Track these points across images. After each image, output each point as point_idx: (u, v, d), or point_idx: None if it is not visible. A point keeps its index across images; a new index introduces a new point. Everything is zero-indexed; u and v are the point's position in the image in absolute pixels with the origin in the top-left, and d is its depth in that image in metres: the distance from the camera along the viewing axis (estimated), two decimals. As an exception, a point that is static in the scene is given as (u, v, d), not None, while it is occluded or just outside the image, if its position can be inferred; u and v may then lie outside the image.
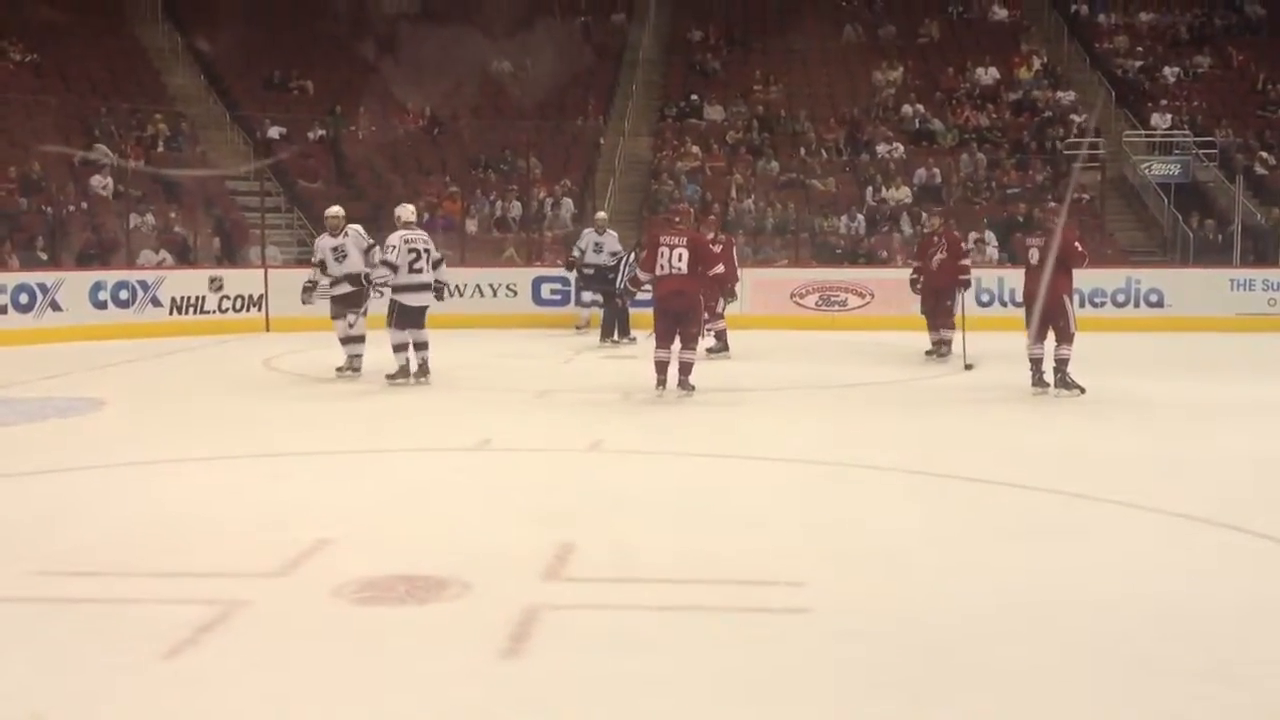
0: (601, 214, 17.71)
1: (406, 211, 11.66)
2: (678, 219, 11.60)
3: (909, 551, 5.64)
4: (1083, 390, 10.54)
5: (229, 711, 3.87)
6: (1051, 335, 10.62)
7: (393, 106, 24.96)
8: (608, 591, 5.07)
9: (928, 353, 13.70)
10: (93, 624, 4.64)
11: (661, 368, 10.61)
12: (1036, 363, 10.73)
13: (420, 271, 11.31)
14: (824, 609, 4.78)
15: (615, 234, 16.53)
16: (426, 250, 11.38)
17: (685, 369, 10.67)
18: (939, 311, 13.75)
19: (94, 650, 4.34)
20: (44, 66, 23.78)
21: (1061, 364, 10.62)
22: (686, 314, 10.72)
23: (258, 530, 5.97)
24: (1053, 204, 11.90)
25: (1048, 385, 10.67)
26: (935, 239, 14.16)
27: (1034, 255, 10.72)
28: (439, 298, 11.64)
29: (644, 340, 12.97)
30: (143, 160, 21.49)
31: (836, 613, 4.73)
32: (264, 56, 25.81)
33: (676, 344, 10.65)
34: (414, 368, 11.40)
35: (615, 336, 15.44)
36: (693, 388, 10.61)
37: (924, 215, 16.67)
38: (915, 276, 14.15)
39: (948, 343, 13.53)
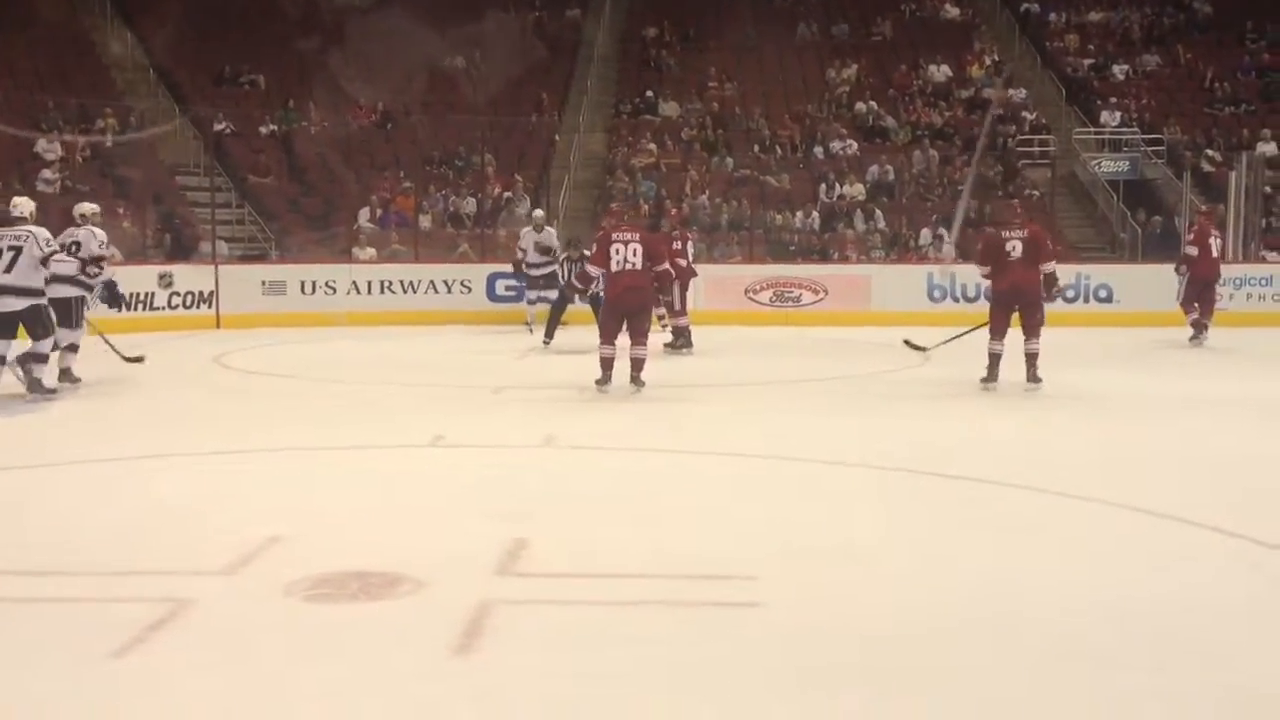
0: (539, 212, 17.62)
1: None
2: (626, 214, 11.57)
3: (864, 546, 5.66)
4: (1040, 381, 10.66)
5: (180, 710, 3.83)
6: (1018, 330, 10.73)
7: (345, 101, 24.82)
8: (561, 587, 5.06)
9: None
10: (40, 623, 4.58)
11: (608, 364, 10.59)
12: (997, 358, 10.82)
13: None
14: (777, 603, 4.79)
15: (553, 231, 16.43)
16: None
17: (637, 365, 10.66)
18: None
19: (42, 649, 4.28)
20: (-10, 61, 23.49)
21: (1036, 357, 10.74)
22: (639, 311, 10.71)
23: (208, 528, 5.91)
24: (1014, 200, 12.01)
25: (997, 381, 10.75)
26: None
27: (1016, 249, 10.69)
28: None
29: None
30: (90, 154, 21.29)
31: (790, 607, 4.74)
32: (215, 51, 25.59)
33: (624, 341, 10.62)
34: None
35: (546, 338, 14.91)
36: (643, 383, 10.61)
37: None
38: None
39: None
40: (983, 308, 11.92)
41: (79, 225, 11.02)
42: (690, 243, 14.89)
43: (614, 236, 10.71)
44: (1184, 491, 6.89)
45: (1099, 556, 5.54)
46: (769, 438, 8.64)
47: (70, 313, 10.69)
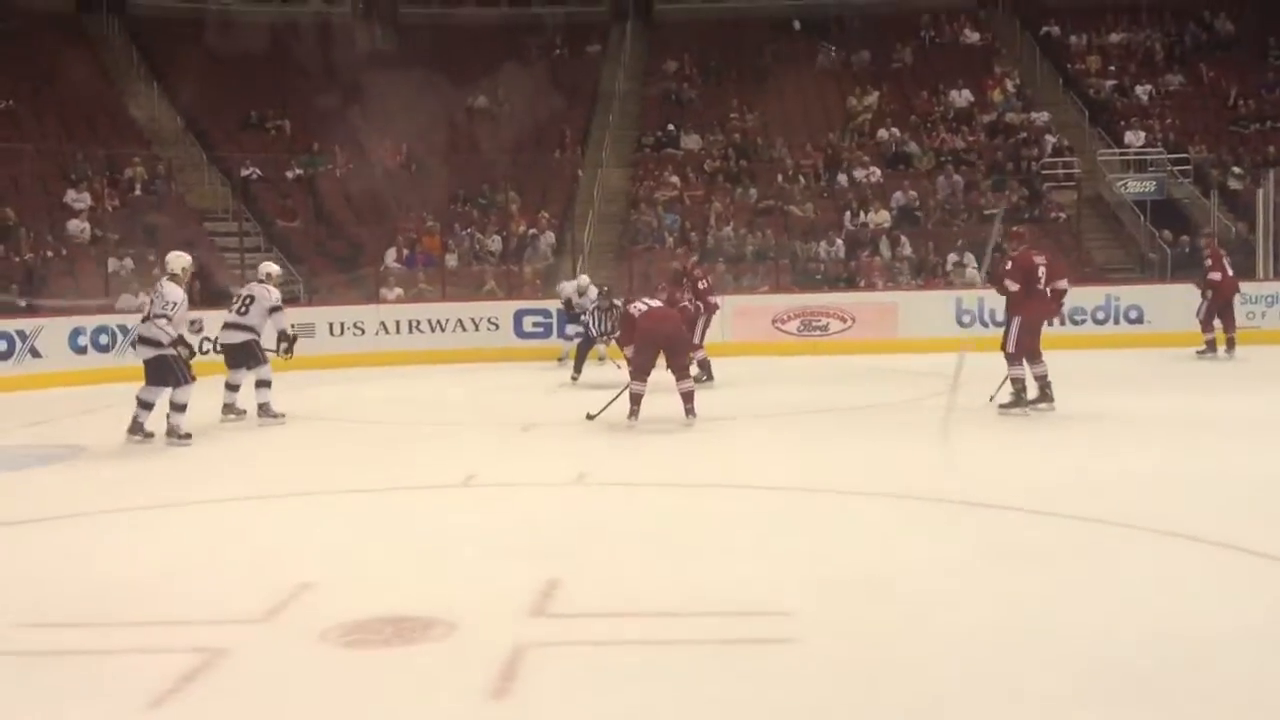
0: (584, 278, 17.43)
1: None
2: (662, 295, 11.63)
3: (899, 579, 5.61)
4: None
5: (215, 761, 3.82)
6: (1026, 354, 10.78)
7: (370, 145, 24.97)
8: (595, 627, 5.03)
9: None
10: (75, 675, 4.59)
11: (638, 400, 10.61)
12: (1046, 379, 10.84)
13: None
14: (812, 639, 4.75)
15: (594, 292, 16.21)
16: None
17: (688, 398, 10.73)
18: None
19: (77, 702, 4.29)
20: (19, 114, 23.73)
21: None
22: (674, 344, 10.76)
23: (241, 575, 5.92)
24: (1017, 228, 12.06)
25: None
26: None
27: (1043, 274, 10.87)
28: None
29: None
30: (119, 203, 21.48)
31: (826, 643, 4.71)
32: (240, 97, 25.81)
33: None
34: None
35: (575, 374, 15.06)
36: (695, 415, 10.67)
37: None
38: None
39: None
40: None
41: (261, 281, 12.02)
42: (706, 276, 14.71)
43: (641, 326, 10.77)
44: (1223, 516, 6.80)
45: (1137, 584, 5.47)
46: (800, 469, 8.60)
47: (252, 355, 11.71)
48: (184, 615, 5.29)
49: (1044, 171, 24.30)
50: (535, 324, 18.63)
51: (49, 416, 12.46)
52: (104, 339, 16.48)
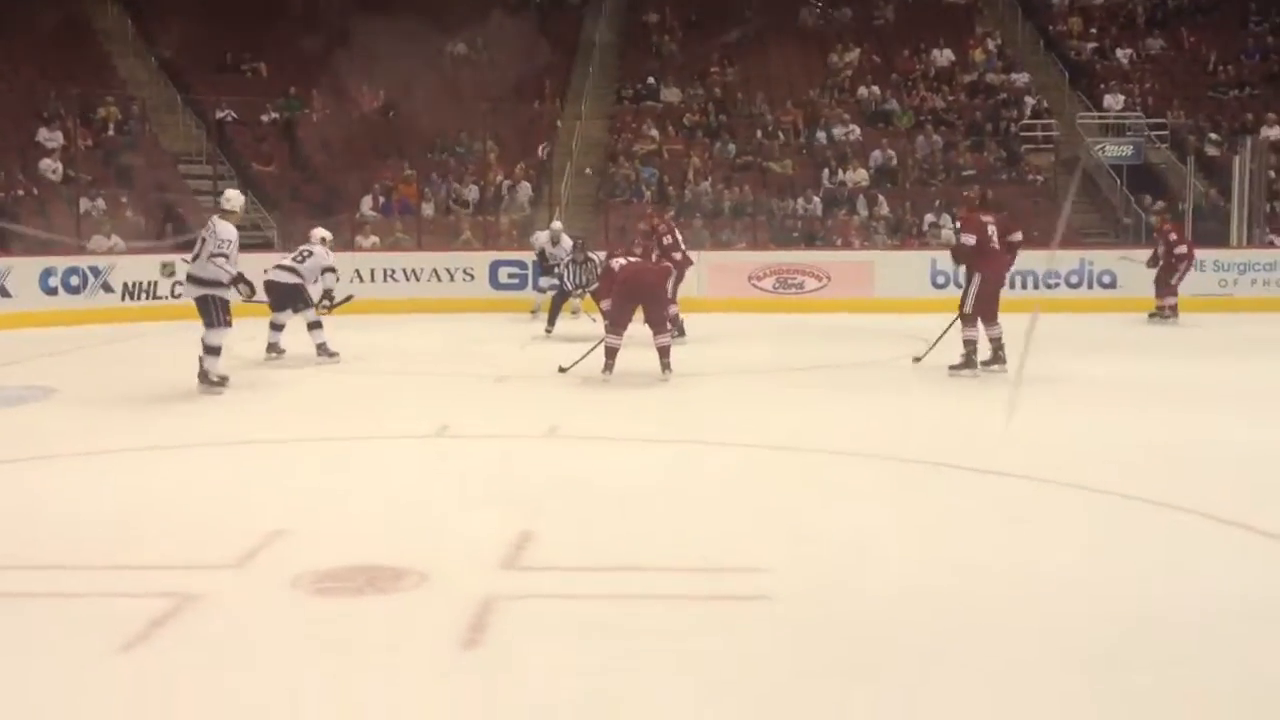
0: (557, 224, 17.33)
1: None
2: (638, 250, 11.75)
3: (873, 539, 5.64)
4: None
5: (186, 705, 3.82)
6: (980, 315, 10.93)
7: (348, 90, 24.75)
8: (567, 580, 5.05)
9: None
10: (44, 618, 4.58)
11: (613, 353, 10.61)
12: (1000, 342, 10.98)
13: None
14: (785, 595, 4.78)
15: (568, 242, 16.20)
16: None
17: (664, 353, 10.77)
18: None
19: (46, 645, 4.28)
20: (-9, 50, 23.42)
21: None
22: (651, 296, 10.77)
23: (212, 521, 5.91)
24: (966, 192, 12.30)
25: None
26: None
27: (994, 232, 11.00)
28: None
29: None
30: (91, 144, 21.25)
31: (799, 601, 4.73)
32: (216, 39, 25.48)
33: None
34: None
35: (548, 327, 15.13)
36: (671, 370, 10.70)
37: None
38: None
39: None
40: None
41: (319, 243, 12.68)
42: (674, 232, 14.57)
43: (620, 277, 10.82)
44: (1199, 484, 6.85)
45: (1115, 548, 5.52)
46: (774, 427, 8.63)
47: (300, 297, 12.25)
48: (155, 560, 5.28)
49: (1022, 134, 24.30)
50: (511, 275, 18.57)
51: (18, 358, 12.36)
52: (74, 280, 16.36)
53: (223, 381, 10.16)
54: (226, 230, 10.12)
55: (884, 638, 4.33)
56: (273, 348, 12.36)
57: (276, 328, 12.38)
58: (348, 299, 13.22)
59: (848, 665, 4.11)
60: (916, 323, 13.36)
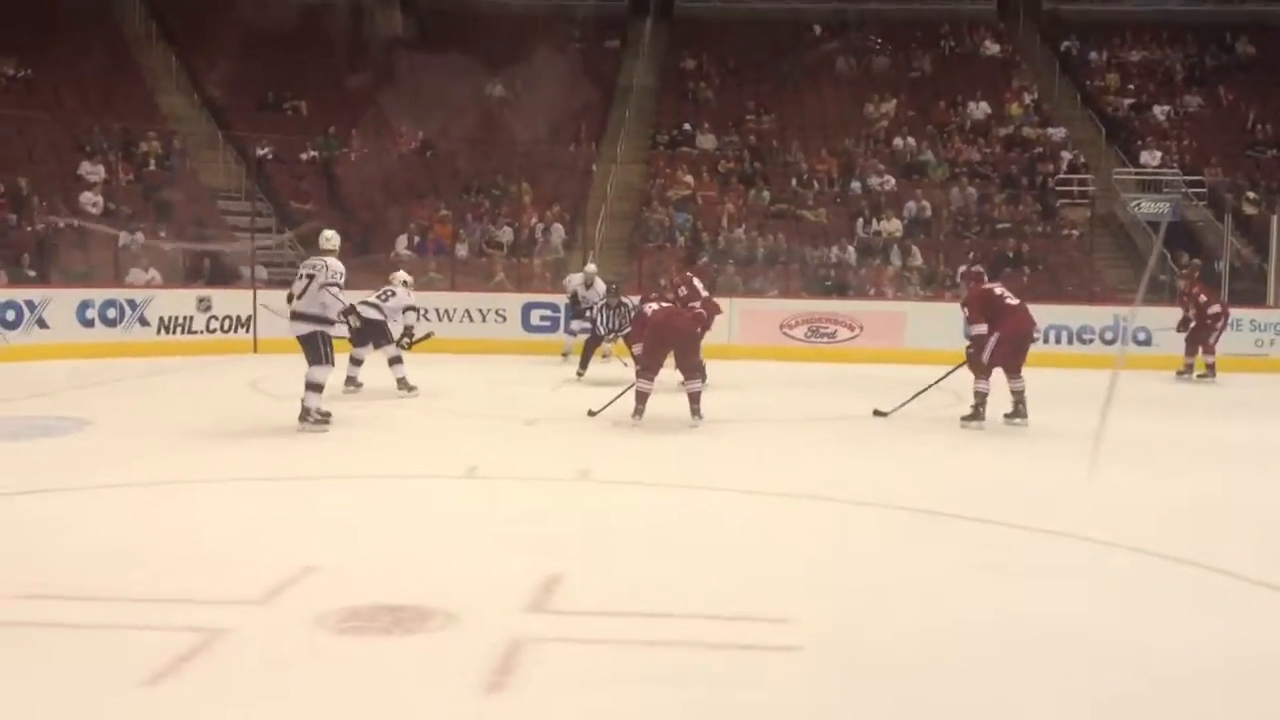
0: (591, 266, 17.43)
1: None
2: (670, 296, 11.92)
3: (897, 589, 5.61)
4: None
5: (209, 742, 3.83)
6: (1003, 369, 11.11)
7: (386, 130, 24.99)
8: (594, 624, 5.03)
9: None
10: (72, 649, 4.59)
11: (644, 398, 10.63)
12: (1022, 395, 11.11)
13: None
14: (811, 646, 4.75)
15: (601, 286, 16.23)
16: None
17: (694, 399, 10.84)
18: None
19: (73, 676, 4.29)
20: (37, 83, 23.76)
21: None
22: (684, 342, 10.80)
23: (241, 556, 5.93)
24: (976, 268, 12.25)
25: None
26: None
27: (1003, 291, 11.35)
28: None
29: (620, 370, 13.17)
30: (132, 178, 21.49)
31: (825, 650, 4.70)
32: (258, 77, 25.81)
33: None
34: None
35: (580, 370, 15.11)
36: (702, 417, 10.76)
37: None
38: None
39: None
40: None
41: (403, 284, 13.36)
42: (694, 280, 14.54)
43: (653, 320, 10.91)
44: (1223, 541, 6.80)
45: (1132, 603, 5.47)
46: (802, 475, 8.60)
47: (382, 333, 12.74)
48: (184, 593, 5.29)
49: (1058, 188, 24.26)
50: (543, 317, 18.61)
51: (53, 389, 12.46)
52: (111, 313, 16.50)
53: (325, 418, 10.27)
54: (337, 264, 10.36)
55: (911, 689, 4.30)
56: (351, 381, 12.73)
57: (356, 362, 12.87)
58: (427, 336, 13.84)
59: (872, 715, 4.07)
60: (963, 378, 13.27)
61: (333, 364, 10.30)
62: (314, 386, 10.19)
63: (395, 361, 12.75)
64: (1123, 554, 6.39)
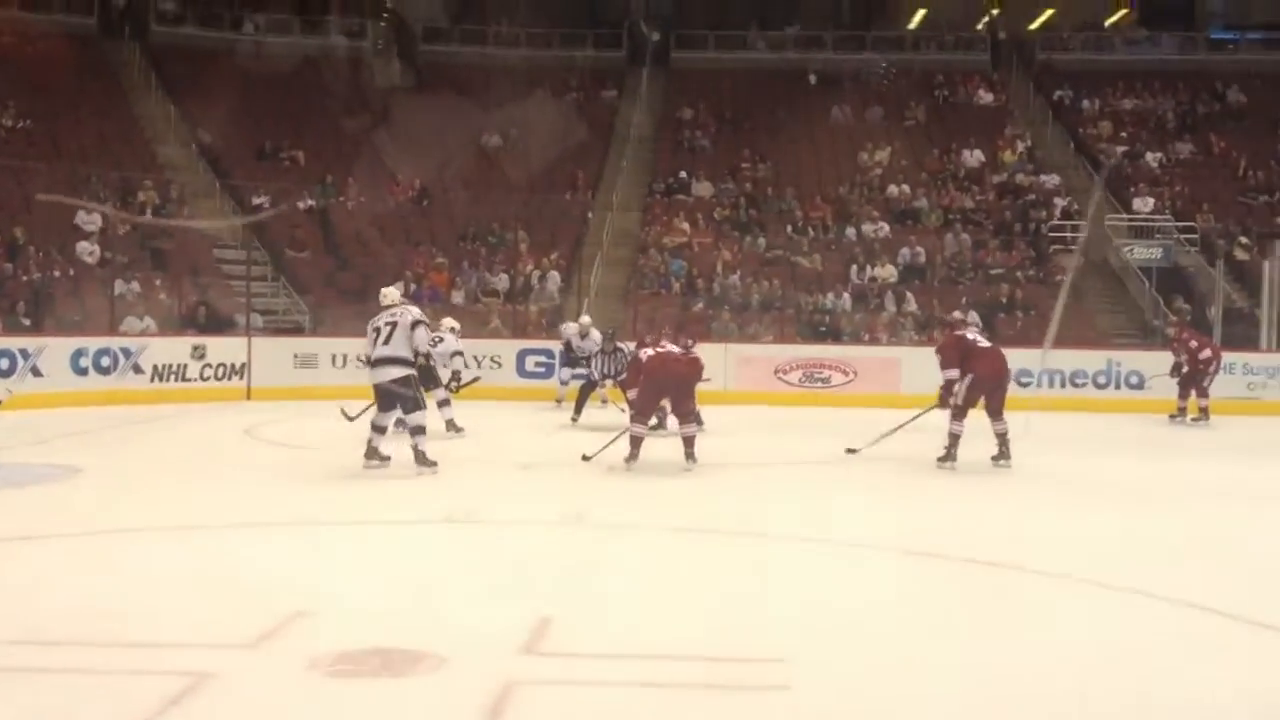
0: (585, 318, 17.41)
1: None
2: (666, 342, 11.93)
3: (890, 630, 5.60)
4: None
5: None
6: (986, 412, 11.31)
7: (383, 178, 25.09)
8: (586, 667, 5.01)
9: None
10: (61, 694, 4.57)
11: (638, 443, 10.63)
12: (1005, 437, 11.33)
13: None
14: (802, 687, 4.73)
15: (597, 337, 16.24)
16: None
17: (689, 443, 10.82)
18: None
19: (61, 721, 4.26)
20: (35, 132, 23.88)
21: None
22: (679, 386, 10.80)
23: (232, 601, 5.90)
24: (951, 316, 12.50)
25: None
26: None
27: (976, 335, 11.71)
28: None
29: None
30: (130, 226, 21.53)
31: (818, 692, 4.68)
32: (256, 127, 25.96)
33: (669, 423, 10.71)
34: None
35: (575, 415, 15.14)
36: (696, 460, 10.76)
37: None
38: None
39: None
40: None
41: (446, 331, 14.05)
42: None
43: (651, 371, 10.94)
44: (1218, 582, 6.78)
45: (1130, 646, 5.45)
46: (796, 519, 8.59)
47: (431, 377, 12.79)
48: (174, 638, 5.27)
49: (1051, 235, 24.38)
50: (538, 364, 18.63)
51: (46, 437, 12.44)
52: (105, 361, 16.49)
53: (385, 460, 10.41)
54: (415, 308, 10.74)
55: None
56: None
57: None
58: (474, 381, 14.70)
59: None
60: (942, 420, 13.28)
61: (425, 405, 10.57)
62: (417, 430, 10.42)
63: (443, 404, 13.16)
64: (1120, 596, 6.37)
